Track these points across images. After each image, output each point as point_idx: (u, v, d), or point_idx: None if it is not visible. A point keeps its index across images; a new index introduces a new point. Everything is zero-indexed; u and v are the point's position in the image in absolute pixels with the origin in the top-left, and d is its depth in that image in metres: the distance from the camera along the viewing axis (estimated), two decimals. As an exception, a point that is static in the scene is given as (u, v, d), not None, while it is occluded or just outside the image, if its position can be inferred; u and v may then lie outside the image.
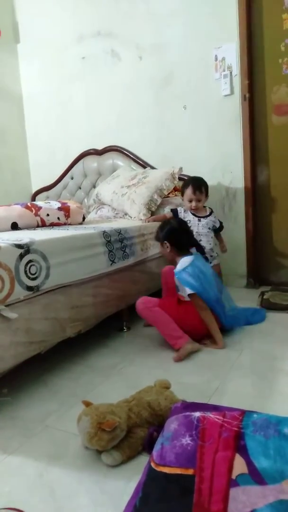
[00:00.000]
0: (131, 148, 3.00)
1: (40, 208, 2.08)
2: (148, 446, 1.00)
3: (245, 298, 2.33)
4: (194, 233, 2.06)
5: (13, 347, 1.28)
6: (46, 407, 1.28)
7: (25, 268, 1.34)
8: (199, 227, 2.22)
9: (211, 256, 2.26)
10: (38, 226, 2.04)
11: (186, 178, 2.75)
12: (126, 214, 2.59)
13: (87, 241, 1.69)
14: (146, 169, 2.83)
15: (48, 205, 2.14)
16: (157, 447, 0.87)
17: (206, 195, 2.25)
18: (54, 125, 3.39)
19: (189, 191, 2.20)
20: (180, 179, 2.56)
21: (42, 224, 2.06)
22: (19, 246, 1.33)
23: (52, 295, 1.46)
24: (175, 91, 2.77)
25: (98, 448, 0.98)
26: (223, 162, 2.66)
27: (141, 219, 2.40)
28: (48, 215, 2.09)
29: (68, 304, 1.55)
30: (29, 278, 1.35)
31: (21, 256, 1.33)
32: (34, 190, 3.59)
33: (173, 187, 2.59)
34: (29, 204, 2.07)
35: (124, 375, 1.49)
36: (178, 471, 0.79)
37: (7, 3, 3.33)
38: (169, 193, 2.61)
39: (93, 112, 3.16)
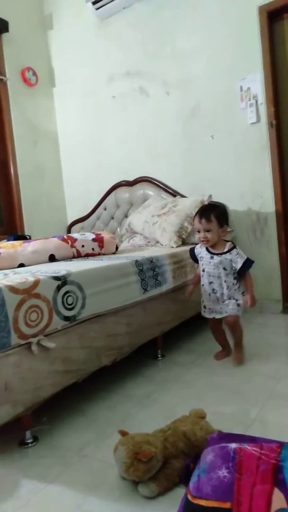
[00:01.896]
0: (161, 178, 3.10)
1: (75, 240, 2.17)
2: (184, 477, 1.00)
3: (281, 325, 2.27)
4: (205, 273, 1.83)
5: (51, 376, 1.33)
6: (84, 436, 1.31)
7: (63, 299, 1.40)
8: (210, 266, 1.81)
9: (226, 305, 1.80)
10: (74, 257, 2.13)
11: (216, 205, 2.79)
12: (157, 242, 2.64)
13: (120, 271, 1.74)
14: (176, 197, 2.89)
15: (83, 236, 2.23)
16: (193, 479, 0.87)
17: (222, 224, 1.78)
18: (88, 160, 3.57)
19: (196, 220, 1.81)
20: (210, 206, 2.59)
21: (78, 255, 2.15)
22: (56, 278, 1.41)
23: (88, 325, 1.51)
24: (202, 122, 2.86)
25: (135, 479, 0.99)
26: (252, 188, 2.68)
27: (172, 247, 2.44)
28: (83, 246, 2.17)
29: (103, 333, 1.59)
30: (66, 308, 1.41)
31: (59, 288, 1.39)
32: (69, 221, 3.74)
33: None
34: (65, 236, 2.17)
35: (159, 404, 1.49)
36: (215, 504, 0.78)
37: (44, 52, 3.62)
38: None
39: (124, 146, 3.30)
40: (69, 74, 3.58)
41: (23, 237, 2.72)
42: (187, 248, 2.37)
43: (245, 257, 1.77)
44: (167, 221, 2.56)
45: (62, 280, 1.42)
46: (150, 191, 3.14)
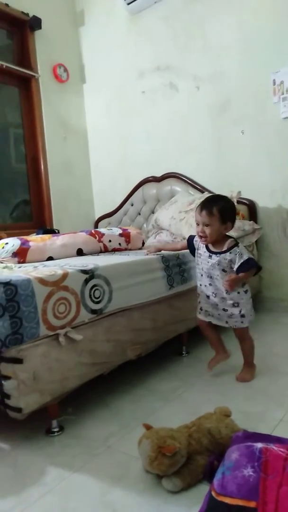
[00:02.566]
0: (189, 174, 3.07)
1: (103, 234, 2.19)
2: (208, 474, 0.99)
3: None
4: (203, 272, 1.63)
5: (77, 368, 1.35)
6: (108, 428, 1.32)
7: (90, 292, 1.42)
8: (208, 267, 1.59)
9: (228, 316, 1.60)
10: (101, 251, 2.15)
11: (245, 201, 2.74)
12: (184, 238, 2.62)
13: (146, 266, 1.74)
14: (204, 193, 2.86)
15: (110, 231, 2.25)
16: (218, 476, 0.86)
17: (225, 221, 1.52)
18: (116, 155, 3.58)
19: (196, 211, 1.57)
20: (238, 202, 2.55)
21: (105, 250, 2.17)
22: (84, 271, 1.43)
23: (114, 318, 1.53)
24: (232, 117, 2.80)
25: (159, 473, 0.99)
26: (284, 184, 2.61)
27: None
28: (110, 241, 2.19)
29: (129, 327, 1.60)
30: (93, 301, 1.43)
31: (86, 281, 1.42)
32: (97, 216, 3.78)
33: (232, 211, 2.58)
34: (93, 231, 2.20)
35: (183, 400, 1.49)
36: (240, 502, 0.78)
37: (75, 48, 3.65)
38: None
39: (152, 142, 3.29)
40: (99, 70, 3.60)
41: (52, 231, 2.77)
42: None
43: (247, 257, 1.52)
44: (194, 218, 2.53)
45: (89, 274, 1.44)
46: (178, 187, 3.13)
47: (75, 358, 1.34)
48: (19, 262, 1.83)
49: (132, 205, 3.47)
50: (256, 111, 2.69)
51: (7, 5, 3.05)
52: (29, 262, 1.86)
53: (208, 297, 1.64)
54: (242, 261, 1.51)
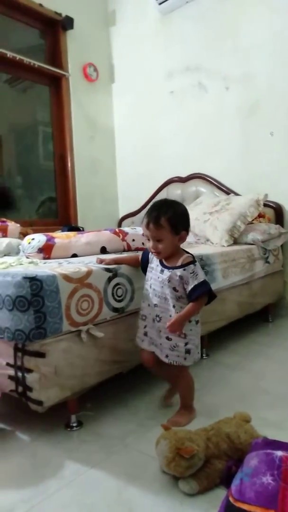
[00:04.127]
0: (215, 175, 3.04)
1: (126, 233, 2.20)
2: (226, 479, 0.98)
3: None
4: (151, 290, 1.35)
5: (98, 364, 1.36)
6: (126, 426, 1.33)
7: (113, 290, 1.43)
8: (157, 283, 1.33)
9: (175, 344, 1.29)
10: (124, 250, 2.16)
11: (271, 205, 2.70)
12: (207, 240, 2.60)
13: (169, 267, 1.74)
14: (230, 195, 2.83)
15: (134, 231, 2.26)
16: (235, 482, 0.85)
17: (177, 231, 1.28)
18: (141, 155, 3.59)
19: (143, 223, 1.32)
20: (265, 205, 2.51)
21: (128, 249, 2.18)
22: (108, 270, 1.44)
23: (135, 317, 1.53)
24: (261, 119, 2.76)
25: (176, 474, 0.99)
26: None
27: (223, 246, 2.39)
28: (133, 240, 2.20)
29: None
30: (115, 300, 1.44)
31: (110, 279, 1.43)
32: (120, 215, 3.80)
33: (258, 213, 2.54)
34: (117, 230, 2.21)
35: (202, 403, 1.47)
36: (258, 510, 0.77)
37: (105, 48, 3.69)
38: (252, 220, 2.57)
39: (179, 142, 3.28)
40: (128, 70, 3.62)
41: (77, 229, 2.81)
42: (239, 247, 2.32)
43: (201, 279, 1.26)
44: (219, 219, 2.51)
45: (113, 272, 1.45)
46: (203, 188, 3.10)
47: (96, 355, 1.36)
48: (44, 258, 1.87)
49: (156, 205, 3.47)
50: (286, 113, 2.63)
51: (41, 5, 3.11)
52: (53, 258, 1.89)
53: (153, 320, 1.34)
54: (196, 283, 1.25)
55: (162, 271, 1.32)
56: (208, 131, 3.08)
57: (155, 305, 1.33)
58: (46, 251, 1.89)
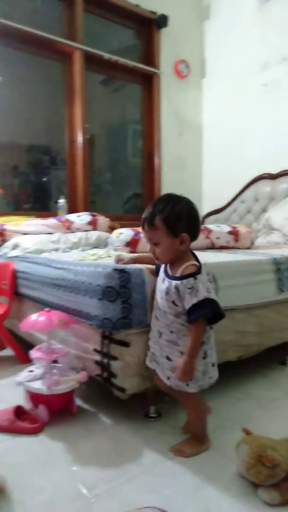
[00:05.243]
0: (310, 172, 2.84)
1: (211, 231, 2.18)
2: (311, 497, 0.92)
3: None
4: (156, 300, 1.19)
5: (178, 360, 1.38)
6: (204, 424, 1.32)
7: (196, 287, 1.43)
8: (158, 293, 1.17)
9: (175, 366, 1.11)
10: (208, 248, 2.14)
11: None
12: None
13: (256, 267, 1.68)
14: None
15: (219, 228, 2.23)
16: None
17: (176, 233, 1.08)
18: (229, 151, 3.50)
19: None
20: None
21: (212, 247, 2.16)
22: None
23: (218, 317, 1.51)
24: None
25: (255, 481, 0.96)
26: None
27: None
28: (218, 238, 2.17)
29: (232, 327, 1.56)
30: (199, 297, 1.43)
31: (194, 276, 1.42)
32: (204, 213, 3.76)
33: None
34: (202, 227, 2.20)
35: (282, 411, 1.40)
36: None
37: (198, 43, 3.66)
38: None
39: (270, 137, 3.13)
40: (219, 64, 3.55)
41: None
42: None
43: (202, 297, 1.03)
44: (312, 220, 2.34)
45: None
46: (295, 185, 2.92)
47: (177, 350, 1.37)
48: (130, 252, 1.94)
49: (242, 202, 3.36)
50: None
51: (137, 6, 3.19)
52: (139, 252, 1.95)
53: (157, 335, 1.18)
54: (194, 301, 1.03)
55: (163, 280, 1.13)
56: (304, 124, 2.88)
57: (156, 317, 1.17)
58: (132, 245, 1.97)
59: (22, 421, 1.30)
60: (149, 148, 3.52)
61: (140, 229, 2.10)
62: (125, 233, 2.00)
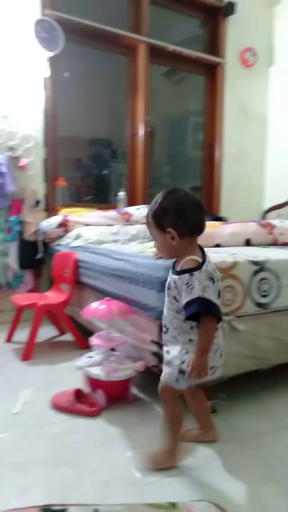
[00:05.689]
0: None
1: (274, 227, 2.09)
2: None
3: None
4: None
5: (237, 357, 1.35)
6: (261, 425, 1.29)
7: (258, 284, 1.39)
8: (167, 288, 1.10)
9: (170, 358, 1.07)
10: (270, 244, 2.06)
11: None
12: None
13: None
14: None
15: (283, 224, 2.13)
16: None
17: (163, 228, 1.04)
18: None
19: None
20: None
21: (274, 243, 2.07)
22: (254, 263, 1.40)
23: (280, 316, 1.45)
24: None
25: None
26: None
27: None
28: (281, 234, 2.08)
29: (294, 328, 1.50)
30: (260, 295, 1.39)
31: (255, 273, 1.38)
32: (266, 207, 3.62)
33: None
34: (264, 222, 2.12)
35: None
36: None
37: (267, 30, 3.49)
38: None
39: None
40: (289, 51, 3.36)
41: (220, 219, 2.80)
42: None
43: (196, 295, 0.97)
44: None
45: (259, 266, 1.40)
46: None
47: (235, 348, 1.34)
48: (189, 245, 1.92)
49: (308, 197, 3.19)
50: None
51: (204, -6, 3.12)
52: (198, 246, 1.93)
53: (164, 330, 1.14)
54: (188, 299, 0.98)
55: (170, 274, 1.09)
56: None
57: (163, 313, 1.12)
58: (191, 239, 1.95)
59: (81, 404, 1.36)
60: (210, 140, 3.45)
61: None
62: (184, 227, 1.98)
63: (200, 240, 1.97)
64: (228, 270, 1.33)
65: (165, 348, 1.11)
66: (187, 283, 0.99)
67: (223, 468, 1.07)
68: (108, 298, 1.49)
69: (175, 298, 1.05)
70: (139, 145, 3.08)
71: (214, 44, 3.32)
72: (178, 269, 1.04)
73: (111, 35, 2.82)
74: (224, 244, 1.99)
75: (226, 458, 1.12)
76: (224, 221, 2.67)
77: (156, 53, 3.02)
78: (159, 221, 1.04)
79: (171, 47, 3.04)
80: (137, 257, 1.54)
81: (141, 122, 3.04)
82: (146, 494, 0.97)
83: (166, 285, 1.08)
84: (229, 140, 3.42)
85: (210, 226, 2.07)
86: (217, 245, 1.99)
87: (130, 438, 1.21)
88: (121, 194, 2.86)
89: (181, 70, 3.37)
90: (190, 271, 1.00)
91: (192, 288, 0.98)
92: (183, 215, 1.03)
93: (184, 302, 0.99)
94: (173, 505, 0.91)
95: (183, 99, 3.64)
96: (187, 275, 1.00)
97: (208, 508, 0.91)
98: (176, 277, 1.03)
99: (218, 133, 3.38)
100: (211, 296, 0.98)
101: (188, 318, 1.00)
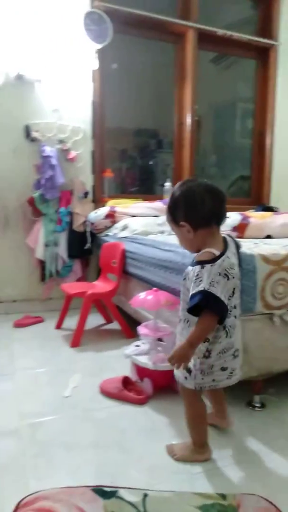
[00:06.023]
0: None
1: None
2: None
3: None
4: None
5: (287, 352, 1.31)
6: (312, 423, 1.25)
7: (312, 278, 1.33)
8: (183, 278, 1.08)
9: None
10: None
11: None
12: None
13: None
14: None
15: None
16: None
17: (176, 221, 1.04)
18: None
19: None
20: None
21: None
22: (309, 255, 1.33)
23: None
24: None
25: None
26: None
27: None
28: None
29: None
30: (314, 288, 1.33)
31: (310, 266, 1.32)
32: None
33: None
34: None
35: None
36: None
37: None
38: None
39: None
40: None
41: (271, 209, 2.70)
42: None
43: (201, 288, 0.93)
44: None
45: (314, 258, 1.33)
46: None
47: (287, 342, 1.30)
48: (237, 237, 1.87)
49: None
50: None
51: (256, -27, 2.98)
52: (247, 237, 1.88)
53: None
54: (194, 291, 0.94)
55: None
56: None
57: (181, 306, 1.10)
58: (240, 230, 1.90)
59: (128, 391, 1.39)
60: (261, 128, 3.31)
61: (248, 213, 2.02)
62: (232, 217, 1.94)
63: (250, 231, 1.92)
64: (281, 263, 1.29)
65: (177, 342, 1.08)
66: (197, 275, 0.96)
67: (272, 464, 1.05)
68: (155, 288, 1.49)
69: (188, 289, 1.01)
70: (186, 135, 3.03)
71: (266, 25, 3.16)
72: (194, 260, 1.02)
73: (159, 23, 2.78)
74: (276, 235, 1.92)
75: (277, 455, 1.09)
76: (275, 211, 2.57)
77: (205, 39, 2.93)
78: (173, 215, 1.04)
79: (221, 31, 2.94)
80: (185, 248, 1.53)
81: (189, 111, 2.98)
82: (196, 484, 0.98)
83: (183, 275, 1.06)
84: (281, 127, 3.26)
85: (261, 216, 2.01)
86: (268, 236, 1.92)
87: (176, 427, 1.22)
88: (167, 184, 2.84)
89: (231, 55, 3.25)
90: (202, 263, 0.97)
91: (200, 280, 0.95)
92: (194, 206, 1.00)
93: (191, 293, 0.96)
94: (223, 496, 0.91)
95: (232, 85, 3.51)
96: (198, 267, 0.97)
97: (259, 502, 0.90)
98: (190, 268, 1.01)
99: (269, 120, 3.24)
100: (218, 292, 0.93)
101: (189, 311, 0.97)
